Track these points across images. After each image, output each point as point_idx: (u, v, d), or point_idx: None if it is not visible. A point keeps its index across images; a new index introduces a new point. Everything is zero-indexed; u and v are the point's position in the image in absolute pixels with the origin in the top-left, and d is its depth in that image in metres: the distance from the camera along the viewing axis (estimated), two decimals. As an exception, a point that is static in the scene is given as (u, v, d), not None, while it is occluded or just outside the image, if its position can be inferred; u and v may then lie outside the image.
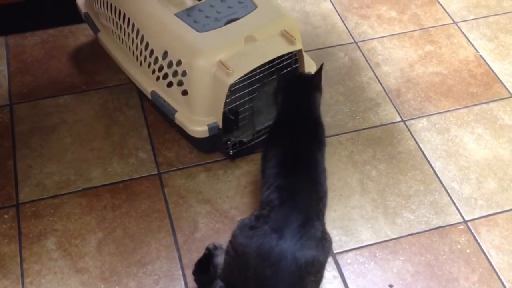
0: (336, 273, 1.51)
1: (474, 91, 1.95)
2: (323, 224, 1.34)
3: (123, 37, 1.75)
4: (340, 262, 1.53)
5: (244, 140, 1.73)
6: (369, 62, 2.04)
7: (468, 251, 1.56)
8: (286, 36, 1.61)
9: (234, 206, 1.64)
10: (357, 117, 1.87)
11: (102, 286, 1.48)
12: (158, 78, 1.68)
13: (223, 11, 1.67)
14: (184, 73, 1.61)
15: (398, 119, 1.87)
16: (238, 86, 1.59)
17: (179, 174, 1.71)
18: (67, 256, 1.53)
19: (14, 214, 1.61)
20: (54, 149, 1.76)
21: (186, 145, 1.77)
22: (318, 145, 1.48)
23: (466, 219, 1.63)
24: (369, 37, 2.12)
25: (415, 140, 1.81)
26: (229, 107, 1.62)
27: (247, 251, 1.27)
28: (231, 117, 1.64)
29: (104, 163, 1.73)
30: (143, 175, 1.71)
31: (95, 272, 1.50)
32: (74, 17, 1.99)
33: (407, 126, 1.85)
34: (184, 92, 1.63)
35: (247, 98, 1.64)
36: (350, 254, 1.55)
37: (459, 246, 1.57)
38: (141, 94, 1.85)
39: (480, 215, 1.63)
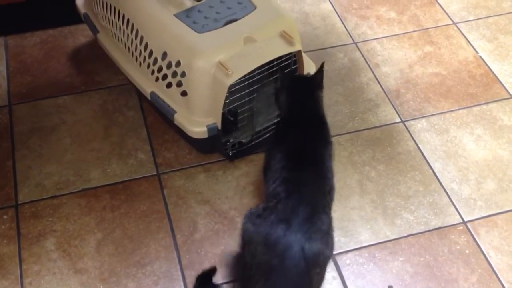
0: (336, 274, 1.51)
1: (474, 92, 1.95)
2: (329, 218, 1.34)
3: (122, 38, 1.75)
4: (339, 262, 1.53)
5: (243, 141, 1.73)
6: (368, 63, 2.04)
7: (467, 251, 1.56)
8: (285, 37, 1.61)
9: (234, 207, 1.64)
10: (357, 118, 1.87)
11: (101, 286, 1.48)
12: (157, 79, 1.68)
13: (222, 12, 1.67)
14: (183, 74, 1.61)
15: (398, 119, 1.87)
16: (237, 87, 1.59)
17: (178, 175, 1.71)
18: (66, 257, 1.53)
19: (13, 214, 1.61)
20: (53, 150, 1.76)
21: (185, 146, 1.77)
22: (324, 141, 1.49)
23: (466, 220, 1.63)
24: (369, 38, 2.12)
25: (414, 141, 1.81)
26: (228, 108, 1.62)
27: (254, 240, 1.28)
28: (230, 118, 1.64)
29: (103, 164, 1.73)
30: (142, 176, 1.71)
31: (94, 272, 1.50)
32: (74, 17, 1.99)
33: (406, 127, 1.85)
34: (183, 93, 1.63)
35: (246, 99, 1.64)
36: (349, 254, 1.55)
37: (458, 247, 1.57)
38: (140, 94, 1.85)
39: (479, 216, 1.63)
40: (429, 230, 1.60)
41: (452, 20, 2.19)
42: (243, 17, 1.66)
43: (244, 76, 1.57)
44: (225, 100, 1.58)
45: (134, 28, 1.70)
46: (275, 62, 1.62)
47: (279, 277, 1.25)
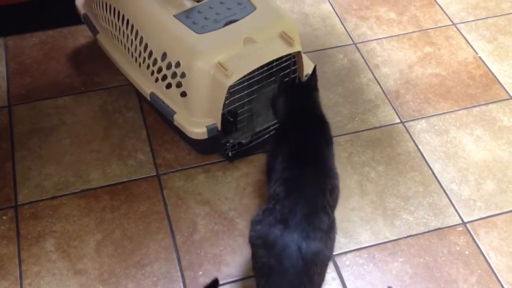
0: (335, 275, 1.51)
1: (473, 92, 1.95)
2: (331, 217, 1.34)
3: (122, 39, 1.75)
4: (339, 263, 1.53)
5: (243, 141, 1.73)
6: (368, 63, 2.04)
7: (466, 252, 1.56)
8: (285, 37, 1.61)
9: (233, 208, 1.64)
10: (356, 119, 1.87)
11: (100, 287, 1.48)
12: (157, 80, 1.68)
13: (222, 13, 1.67)
14: (183, 75, 1.61)
15: (397, 120, 1.87)
16: (237, 87, 1.59)
17: (178, 176, 1.71)
18: (65, 258, 1.53)
19: (13, 215, 1.61)
20: (53, 151, 1.76)
21: (185, 147, 1.77)
22: (325, 140, 1.49)
23: (465, 220, 1.63)
24: (368, 39, 2.12)
25: (414, 141, 1.81)
26: (228, 109, 1.62)
27: (255, 243, 1.30)
28: (230, 119, 1.64)
29: (103, 165, 1.73)
30: (142, 177, 1.71)
31: (93, 273, 1.50)
32: (73, 18, 1.99)
33: (406, 128, 1.85)
34: (183, 94, 1.63)
35: (246, 100, 1.64)
36: (349, 255, 1.55)
37: (458, 248, 1.57)
38: (140, 95, 1.85)
39: (479, 217, 1.63)
40: (429, 231, 1.60)
41: (452, 21, 2.19)
42: (242, 18, 1.66)
43: (244, 76, 1.57)
44: (225, 100, 1.58)
45: (134, 28, 1.70)
46: (274, 63, 1.62)
47: (277, 277, 1.25)
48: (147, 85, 1.71)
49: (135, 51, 1.72)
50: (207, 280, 1.48)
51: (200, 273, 1.51)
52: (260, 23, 1.65)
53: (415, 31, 2.15)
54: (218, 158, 1.75)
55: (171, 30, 1.64)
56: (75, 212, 1.62)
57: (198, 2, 1.70)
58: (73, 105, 1.89)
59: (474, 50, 2.09)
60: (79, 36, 2.09)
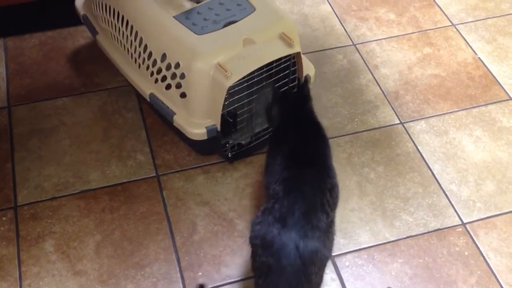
0: (335, 276, 1.51)
1: (473, 93, 1.95)
2: (329, 216, 1.34)
3: (122, 40, 1.75)
4: (338, 264, 1.53)
5: (243, 142, 1.73)
6: (367, 64, 2.04)
7: (466, 253, 1.56)
8: (285, 38, 1.61)
9: (233, 209, 1.64)
10: (356, 120, 1.87)
11: (100, 288, 1.48)
12: (156, 81, 1.68)
13: (221, 14, 1.67)
14: (182, 76, 1.61)
15: (397, 121, 1.87)
16: (236, 88, 1.59)
17: (177, 177, 1.71)
18: (65, 259, 1.53)
19: (12, 216, 1.61)
20: (52, 152, 1.76)
21: (184, 148, 1.77)
22: (322, 141, 1.50)
23: (465, 221, 1.63)
24: (368, 40, 2.12)
25: (413, 142, 1.81)
26: (227, 110, 1.62)
27: (254, 243, 1.30)
28: (230, 120, 1.64)
29: (103, 166, 1.73)
30: (141, 178, 1.71)
31: (93, 274, 1.50)
32: (73, 19, 1.99)
33: (405, 129, 1.85)
34: (183, 95, 1.63)
35: (245, 101, 1.64)
36: (348, 256, 1.55)
37: (457, 249, 1.57)
38: (139, 96, 1.85)
39: (478, 218, 1.63)
40: (428, 232, 1.60)
41: (451, 22, 2.19)
42: (242, 19, 1.66)
43: (243, 77, 1.57)
44: (224, 101, 1.58)
45: (133, 29, 1.70)
46: (274, 64, 1.62)
47: (275, 276, 1.25)
48: (146, 86, 1.71)
49: (135, 52, 1.72)
50: (207, 281, 1.49)
51: (200, 274, 1.51)
52: (260, 24, 1.65)
53: (415, 32, 2.15)
54: (217, 159, 1.75)
55: (170, 31, 1.64)
56: (75, 213, 1.62)
57: (197, 3, 1.70)
58: (72, 106, 1.89)
59: (474, 51, 2.09)
60: (79, 37, 2.09)
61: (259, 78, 1.62)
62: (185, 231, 1.59)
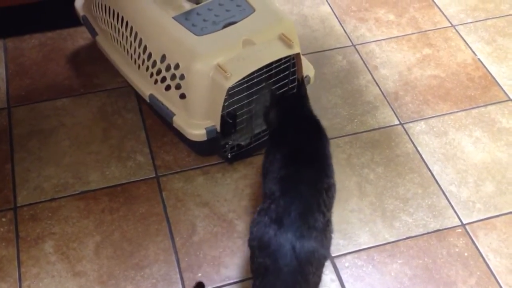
0: (334, 277, 1.51)
1: (472, 94, 1.95)
2: (326, 216, 1.34)
3: (121, 41, 1.75)
4: (338, 265, 1.53)
5: (242, 143, 1.73)
6: (367, 65, 2.04)
7: (466, 254, 1.56)
8: (284, 39, 1.61)
9: (232, 210, 1.64)
10: (355, 120, 1.87)
11: (100, 289, 1.48)
12: (156, 82, 1.68)
13: (221, 15, 1.67)
14: (182, 77, 1.61)
15: (396, 122, 1.87)
16: (236, 89, 1.59)
17: (177, 177, 1.71)
18: (65, 260, 1.53)
19: (12, 217, 1.61)
20: (52, 152, 1.76)
21: (184, 148, 1.77)
22: (321, 140, 1.50)
23: (464, 222, 1.63)
24: (367, 40, 2.12)
25: (413, 143, 1.81)
26: (227, 111, 1.62)
27: (252, 245, 1.31)
28: (229, 121, 1.64)
29: (102, 166, 1.73)
30: (141, 179, 1.71)
31: (93, 275, 1.50)
32: (73, 20, 1.99)
33: (405, 129, 1.85)
34: (182, 96, 1.63)
35: (245, 102, 1.64)
36: (348, 257, 1.55)
37: (457, 250, 1.57)
38: (139, 97, 1.85)
39: (478, 219, 1.63)
40: (428, 233, 1.60)
41: (451, 23, 2.19)
42: (242, 19, 1.66)
43: (243, 78, 1.57)
44: (224, 102, 1.58)
45: (133, 30, 1.70)
46: (274, 65, 1.62)
47: (272, 277, 1.25)
48: (146, 87, 1.71)
49: (134, 53, 1.72)
50: (207, 282, 1.49)
51: (199, 275, 1.51)
52: (259, 25, 1.65)
53: (414, 33, 2.15)
54: (217, 160, 1.75)
55: (170, 32, 1.64)
56: (74, 214, 1.62)
57: (197, 4, 1.70)
58: (72, 107, 1.89)
59: (473, 52, 2.09)
60: (79, 38, 2.09)
61: (258, 79, 1.62)
62: (184, 232, 1.59)
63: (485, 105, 1.92)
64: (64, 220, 1.61)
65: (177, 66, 1.61)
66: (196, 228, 1.60)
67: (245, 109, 1.66)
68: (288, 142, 1.47)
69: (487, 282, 1.51)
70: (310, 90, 1.65)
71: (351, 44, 2.11)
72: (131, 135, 1.81)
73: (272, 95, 1.57)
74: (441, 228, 1.61)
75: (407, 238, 1.59)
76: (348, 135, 1.83)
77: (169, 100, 1.67)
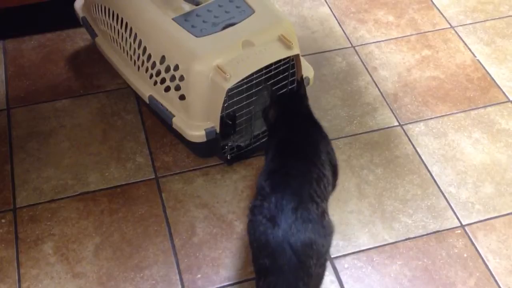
0: (334, 278, 1.51)
1: (471, 95, 1.95)
2: (320, 207, 1.33)
3: (121, 42, 1.75)
4: (337, 266, 1.53)
5: (242, 144, 1.73)
6: (366, 66, 2.04)
7: (465, 255, 1.56)
8: (284, 41, 1.61)
9: (232, 211, 1.64)
10: (355, 122, 1.87)
11: (99, 291, 1.48)
12: (155, 83, 1.68)
13: (220, 16, 1.67)
14: (181, 78, 1.61)
15: (396, 123, 1.87)
16: (235, 90, 1.59)
17: (176, 179, 1.71)
18: (64, 261, 1.53)
19: (11, 218, 1.61)
20: (51, 154, 1.76)
21: (183, 150, 1.78)
22: (315, 135, 1.50)
23: (463, 223, 1.63)
24: (367, 42, 2.12)
25: (412, 144, 1.81)
26: (226, 112, 1.62)
27: (252, 246, 1.31)
28: (229, 122, 1.64)
29: (102, 168, 1.73)
30: (140, 180, 1.71)
31: (92, 276, 1.50)
32: (72, 21, 1.99)
33: (404, 131, 1.85)
34: (182, 97, 1.63)
35: (244, 103, 1.64)
36: (347, 258, 1.55)
37: (456, 251, 1.57)
38: (138, 98, 1.85)
39: (477, 220, 1.64)
40: (427, 234, 1.60)
41: (450, 24, 2.19)
42: (241, 21, 1.66)
43: (242, 80, 1.57)
44: (223, 103, 1.58)
45: (132, 32, 1.70)
46: (273, 66, 1.62)
47: (274, 277, 1.25)
48: (145, 88, 1.71)
49: (134, 54, 1.72)
50: (206, 283, 1.49)
51: (199, 276, 1.51)
52: (259, 26, 1.66)
53: (413, 34, 2.15)
54: (216, 161, 1.75)
55: (169, 33, 1.64)
56: (74, 215, 1.62)
57: (196, 5, 1.70)
58: (71, 108, 1.89)
59: (472, 53, 2.09)
60: (78, 39, 2.09)
61: (258, 80, 1.62)
62: (184, 233, 1.59)
63: (485, 106, 1.92)
64: (63, 221, 1.61)
65: (176, 67, 1.61)
66: (195, 229, 1.60)
67: (244, 110, 1.66)
68: (280, 137, 1.47)
69: (487, 283, 1.51)
70: (309, 92, 1.65)
71: (350, 45, 2.11)
72: (130, 136, 1.81)
73: (272, 94, 1.57)
74: (440, 229, 1.61)
75: (406, 239, 1.59)
76: (348, 136, 1.83)
77: (168, 101, 1.67)
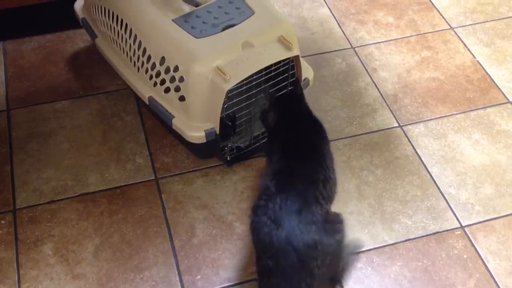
0: (333, 279, 1.51)
1: (471, 96, 1.95)
2: (323, 208, 1.33)
3: (121, 43, 1.75)
4: (337, 267, 1.53)
5: (242, 145, 1.73)
6: (366, 67, 2.04)
7: (465, 256, 1.56)
8: (283, 42, 1.61)
9: (231, 212, 1.64)
10: (354, 123, 1.87)
11: (99, 292, 1.48)
12: (155, 84, 1.68)
13: (220, 17, 1.67)
14: (181, 79, 1.61)
15: (395, 124, 1.87)
16: (235, 92, 1.59)
17: (176, 180, 1.71)
18: (64, 262, 1.53)
19: (11, 219, 1.61)
20: (51, 155, 1.76)
21: (183, 151, 1.78)
22: (319, 135, 1.50)
23: (463, 224, 1.63)
24: (366, 43, 2.12)
25: (412, 145, 1.81)
26: (226, 113, 1.62)
27: (256, 247, 1.31)
28: (229, 123, 1.65)
29: (101, 169, 1.73)
30: (140, 181, 1.71)
31: (92, 278, 1.50)
32: (72, 22, 1.99)
33: (404, 132, 1.85)
34: (182, 98, 1.63)
35: (244, 104, 1.65)
36: (347, 259, 1.55)
37: (456, 252, 1.57)
38: (138, 99, 1.85)
39: (477, 221, 1.64)
40: (427, 235, 1.60)
41: (450, 25, 2.19)
42: (241, 22, 1.66)
43: (242, 81, 1.58)
44: (223, 105, 1.58)
45: (132, 33, 1.70)
46: (273, 67, 1.62)
47: (277, 279, 1.26)
48: (145, 89, 1.72)
49: (134, 55, 1.72)
50: (206, 284, 1.49)
51: (198, 277, 1.51)
52: (259, 28, 1.66)
53: (413, 35, 2.15)
54: (216, 162, 1.75)
55: (169, 35, 1.64)
56: (74, 216, 1.62)
57: (196, 6, 1.70)
58: (71, 109, 1.89)
59: (472, 54, 2.09)
60: (78, 40, 2.10)
61: (258, 81, 1.62)
62: (184, 234, 1.59)
63: (484, 107, 1.92)
64: (63, 222, 1.61)
65: (176, 69, 1.61)
66: (195, 231, 1.60)
67: (244, 111, 1.66)
68: (283, 138, 1.48)
69: (486, 284, 1.51)
70: (309, 93, 1.65)
71: (350, 46, 2.11)
72: (130, 138, 1.81)
73: (270, 97, 1.57)
74: (440, 230, 1.61)
75: (406, 240, 1.59)
76: (347, 137, 1.83)
77: (168, 103, 1.67)
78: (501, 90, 1.98)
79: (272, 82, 1.65)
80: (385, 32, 2.17)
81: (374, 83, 1.99)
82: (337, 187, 1.47)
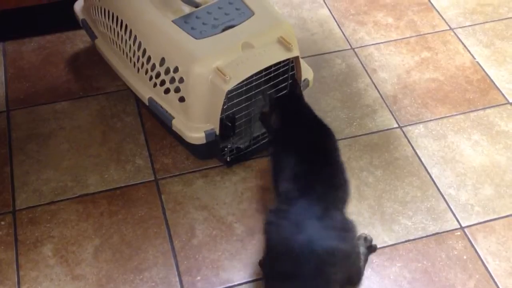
0: (333, 280, 1.51)
1: (471, 97, 1.96)
2: (342, 213, 1.35)
3: (121, 44, 1.76)
4: (337, 268, 1.53)
5: (241, 146, 1.73)
6: (366, 68, 2.04)
7: (465, 257, 1.56)
8: (283, 43, 1.61)
9: (231, 213, 1.64)
10: (354, 123, 1.87)
11: (98, 293, 1.48)
12: (155, 85, 1.68)
13: (220, 18, 1.67)
14: (181, 80, 1.61)
15: (395, 125, 1.87)
16: (235, 92, 1.59)
17: (176, 181, 1.71)
18: (63, 263, 1.53)
19: (11, 220, 1.61)
20: (51, 156, 1.76)
21: (183, 151, 1.78)
22: (330, 137, 1.51)
23: (463, 225, 1.63)
24: (366, 44, 2.12)
25: (412, 146, 1.81)
26: (226, 114, 1.62)
27: (271, 246, 1.31)
28: (228, 124, 1.65)
29: (101, 170, 1.73)
30: (140, 182, 1.71)
31: (91, 279, 1.50)
32: (72, 23, 1.99)
33: (404, 133, 1.85)
34: (181, 99, 1.63)
35: (244, 105, 1.65)
36: (347, 260, 1.55)
37: (456, 253, 1.57)
38: (138, 100, 1.85)
39: (477, 222, 1.64)
40: (427, 236, 1.60)
41: (449, 26, 2.20)
42: (241, 23, 1.66)
43: (242, 81, 1.58)
44: (223, 105, 1.58)
45: (132, 34, 1.70)
46: (273, 68, 1.62)
47: (294, 283, 1.26)
48: (145, 90, 1.72)
49: (134, 56, 1.72)
50: (206, 285, 1.49)
51: (198, 278, 1.51)
52: (258, 28, 1.66)
53: (413, 36, 2.15)
54: (216, 163, 1.75)
55: (169, 36, 1.64)
56: (73, 217, 1.62)
57: (196, 7, 1.70)
58: (71, 110, 1.89)
59: (472, 55, 2.09)
60: (78, 41, 2.10)
61: (257, 82, 1.62)
62: (183, 235, 1.59)
63: (484, 108, 1.92)
64: (63, 223, 1.61)
65: (176, 69, 1.61)
66: (195, 231, 1.60)
67: (244, 112, 1.66)
68: (297, 141, 1.47)
69: (486, 285, 1.51)
70: (309, 94, 1.65)
71: (350, 47, 2.11)
72: (130, 138, 1.81)
73: (270, 99, 1.57)
74: (440, 231, 1.61)
75: (406, 241, 1.59)
76: (347, 138, 1.83)
77: (168, 103, 1.67)
78: (500, 91, 1.98)
79: (272, 83, 1.65)
80: (385, 33, 2.17)
81: (374, 84, 1.99)
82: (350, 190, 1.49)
